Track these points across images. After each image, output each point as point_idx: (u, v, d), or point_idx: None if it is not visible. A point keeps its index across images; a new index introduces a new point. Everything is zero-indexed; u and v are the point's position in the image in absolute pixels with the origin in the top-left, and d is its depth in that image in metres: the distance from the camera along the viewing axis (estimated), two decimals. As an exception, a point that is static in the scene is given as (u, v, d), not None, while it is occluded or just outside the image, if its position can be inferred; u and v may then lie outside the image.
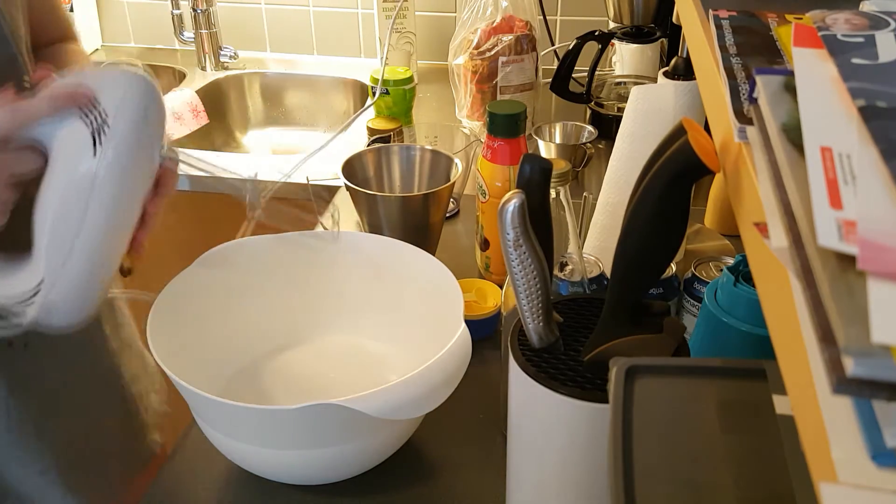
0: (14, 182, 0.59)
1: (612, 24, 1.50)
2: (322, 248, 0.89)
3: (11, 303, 0.63)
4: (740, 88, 0.40)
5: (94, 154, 0.60)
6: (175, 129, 1.58)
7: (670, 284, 0.87)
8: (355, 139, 1.44)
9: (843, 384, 0.22)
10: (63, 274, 0.63)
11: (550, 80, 1.42)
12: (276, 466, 0.73)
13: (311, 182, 1.25)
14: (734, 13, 0.48)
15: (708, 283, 0.82)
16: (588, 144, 1.24)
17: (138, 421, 0.95)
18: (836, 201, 0.26)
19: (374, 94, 1.44)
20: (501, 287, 0.82)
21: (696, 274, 0.86)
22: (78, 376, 0.85)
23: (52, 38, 0.88)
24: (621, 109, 1.34)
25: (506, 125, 0.95)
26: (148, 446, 0.97)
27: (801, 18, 0.43)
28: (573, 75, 1.42)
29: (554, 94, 1.44)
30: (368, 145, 1.18)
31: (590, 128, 1.29)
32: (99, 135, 0.60)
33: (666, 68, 1.02)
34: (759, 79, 0.36)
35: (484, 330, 0.92)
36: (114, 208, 0.62)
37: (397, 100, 1.43)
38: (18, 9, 0.76)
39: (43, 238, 0.62)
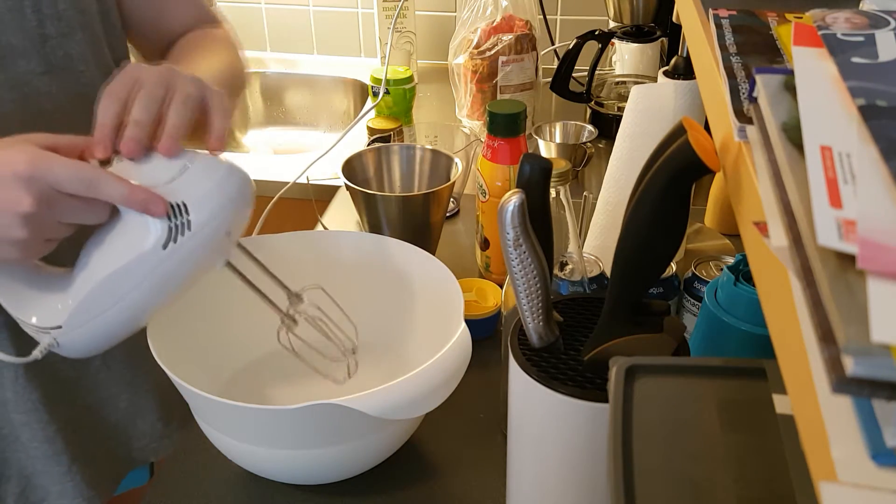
0: (72, 223, 0.59)
1: (612, 24, 1.50)
2: (322, 249, 0.89)
3: (26, 327, 0.63)
4: (740, 87, 0.40)
5: (165, 246, 0.60)
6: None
7: (670, 284, 0.87)
8: (355, 139, 1.44)
9: (842, 383, 0.22)
10: (86, 328, 0.63)
11: (550, 79, 1.42)
12: (276, 466, 0.73)
13: (311, 182, 1.25)
14: (734, 12, 0.48)
15: (708, 282, 0.82)
16: (588, 144, 1.24)
17: (151, 414, 0.95)
18: (835, 200, 0.26)
19: (374, 93, 1.44)
20: (502, 287, 0.82)
21: (697, 273, 0.86)
22: (92, 359, 0.85)
23: (186, 22, 0.87)
24: (621, 109, 1.34)
25: (506, 125, 0.95)
26: (162, 432, 0.96)
27: (801, 17, 0.43)
28: (573, 75, 1.42)
29: (554, 94, 1.44)
30: (368, 145, 1.18)
31: (590, 127, 1.29)
32: (178, 231, 0.60)
33: (666, 68, 1.02)
34: (758, 78, 0.36)
35: (484, 329, 0.92)
36: (167, 293, 0.63)
37: (397, 99, 1.43)
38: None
39: (84, 287, 0.62)
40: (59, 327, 0.62)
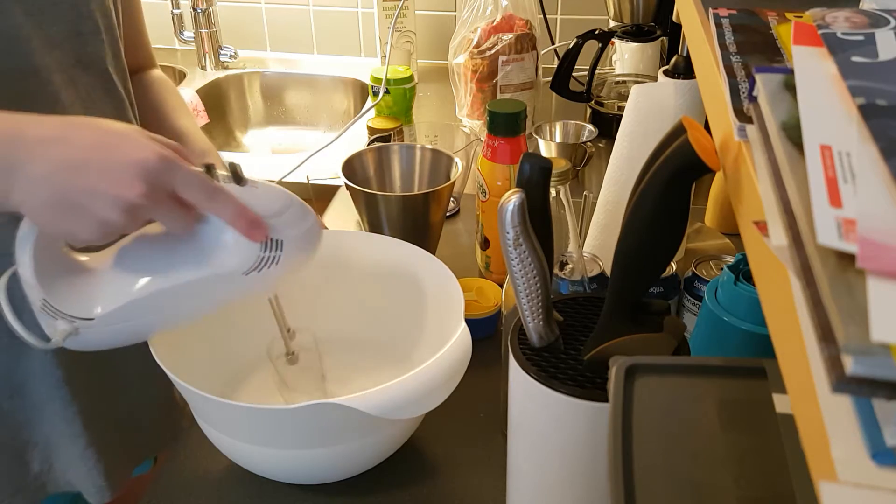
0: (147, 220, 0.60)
1: (612, 23, 1.50)
2: (322, 248, 0.89)
3: (45, 308, 0.62)
4: (740, 87, 0.39)
5: (248, 273, 0.62)
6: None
7: (670, 283, 0.87)
8: (355, 139, 1.44)
9: (842, 383, 0.22)
10: (116, 328, 0.63)
11: (551, 78, 1.42)
12: (276, 466, 0.73)
13: (311, 182, 1.25)
14: (734, 11, 0.48)
15: (708, 281, 0.82)
16: (588, 143, 1.24)
17: (170, 397, 0.95)
18: (835, 200, 0.26)
19: (374, 93, 1.44)
20: (502, 286, 0.82)
21: (697, 273, 0.86)
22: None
23: (139, 66, 0.93)
24: (621, 108, 1.34)
25: (506, 124, 0.95)
26: (174, 425, 0.97)
27: (801, 17, 0.43)
28: (573, 74, 1.42)
29: (554, 93, 1.44)
30: (368, 144, 1.18)
31: (590, 127, 1.29)
32: (265, 264, 0.63)
33: (666, 67, 1.02)
34: (758, 77, 0.36)
35: (484, 329, 0.92)
36: (210, 311, 0.66)
37: (397, 99, 1.43)
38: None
39: (138, 290, 0.62)
40: (91, 319, 0.62)
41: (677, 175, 0.46)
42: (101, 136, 0.57)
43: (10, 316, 0.61)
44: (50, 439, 0.82)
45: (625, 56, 1.49)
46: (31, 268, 0.60)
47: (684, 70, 0.98)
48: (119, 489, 0.87)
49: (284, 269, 0.64)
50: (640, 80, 1.46)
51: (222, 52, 1.74)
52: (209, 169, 0.60)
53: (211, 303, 0.66)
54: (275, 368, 0.79)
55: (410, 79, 1.44)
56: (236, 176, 0.60)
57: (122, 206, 0.55)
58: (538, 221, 0.54)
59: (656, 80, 1.03)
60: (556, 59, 1.55)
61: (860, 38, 0.35)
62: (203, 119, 1.64)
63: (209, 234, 0.62)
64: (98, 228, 0.56)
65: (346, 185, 1.00)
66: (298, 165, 1.32)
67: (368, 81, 1.47)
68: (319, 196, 1.26)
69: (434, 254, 0.85)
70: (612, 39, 1.45)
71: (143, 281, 0.63)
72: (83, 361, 0.82)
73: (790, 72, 0.35)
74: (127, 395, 0.88)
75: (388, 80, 1.41)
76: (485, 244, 1.02)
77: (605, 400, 0.46)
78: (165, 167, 0.56)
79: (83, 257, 0.65)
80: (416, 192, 1.06)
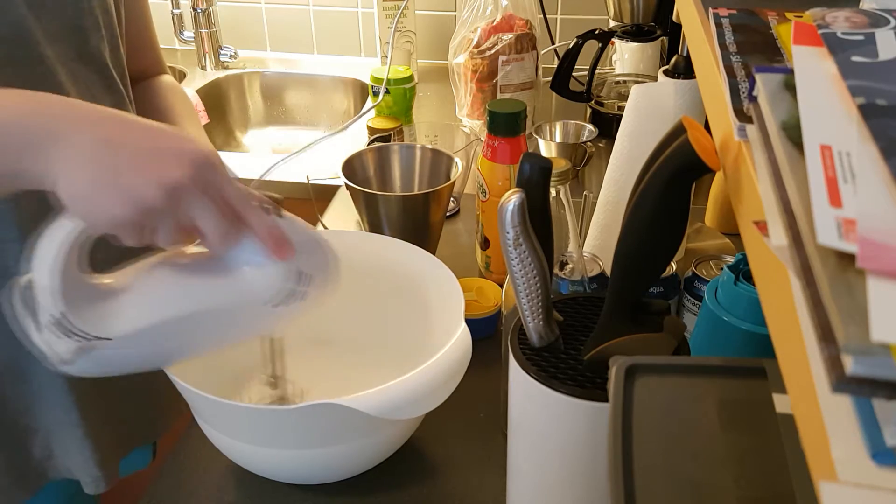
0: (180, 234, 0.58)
1: (612, 23, 1.50)
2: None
3: (52, 325, 0.58)
4: (740, 87, 0.39)
5: (277, 306, 0.62)
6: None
7: (671, 283, 0.87)
8: (355, 138, 1.44)
9: (842, 383, 0.22)
10: (132, 350, 0.61)
11: (551, 78, 1.42)
12: (277, 466, 0.73)
13: (311, 182, 1.25)
14: (734, 11, 0.48)
15: (708, 281, 0.82)
16: (588, 143, 1.24)
17: (164, 386, 0.94)
18: (835, 199, 0.26)
19: (374, 93, 1.44)
20: (502, 286, 0.82)
21: (697, 272, 0.86)
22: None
23: (145, 69, 0.93)
24: (621, 108, 1.34)
25: (506, 124, 0.95)
26: (168, 414, 0.97)
27: (801, 16, 0.43)
28: (573, 74, 1.42)
29: (554, 93, 1.44)
30: (368, 144, 1.18)
31: (590, 126, 1.29)
32: (294, 297, 0.62)
33: (666, 67, 1.02)
34: (758, 77, 0.36)
35: (484, 329, 0.92)
36: (232, 341, 0.66)
37: (397, 99, 1.43)
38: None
39: (161, 312, 0.60)
40: (108, 339, 0.58)
41: (677, 175, 0.46)
42: (150, 125, 0.57)
43: (31, 326, 0.58)
44: (50, 427, 0.82)
45: (625, 56, 1.49)
46: (58, 274, 0.56)
47: (684, 70, 0.98)
48: (113, 480, 0.87)
49: (308, 305, 0.63)
50: (640, 80, 1.46)
51: (222, 52, 1.74)
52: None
53: (232, 334, 0.64)
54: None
55: (410, 79, 1.44)
56: (276, 208, 0.60)
57: (166, 187, 0.53)
58: (538, 221, 0.54)
59: (656, 80, 1.03)
60: (556, 59, 1.55)
61: (860, 37, 0.35)
62: (203, 119, 1.64)
63: (241, 262, 0.60)
64: (136, 209, 0.54)
65: (346, 185, 1.00)
66: (277, 163, 1.32)
67: (368, 81, 1.47)
68: (319, 196, 1.26)
69: (434, 254, 0.85)
70: (612, 39, 1.45)
71: (167, 304, 0.60)
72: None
73: (790, 72, 0.35)
74: (123, 384, 0.88)
75: (388, 81, 1.41)
76: (485, 244, 1.02)
77: (605, 400, 0.46)
78: (213, 162, 0.56)
79: (105, 279, 0.61)
80: (416, 192, 1.06)
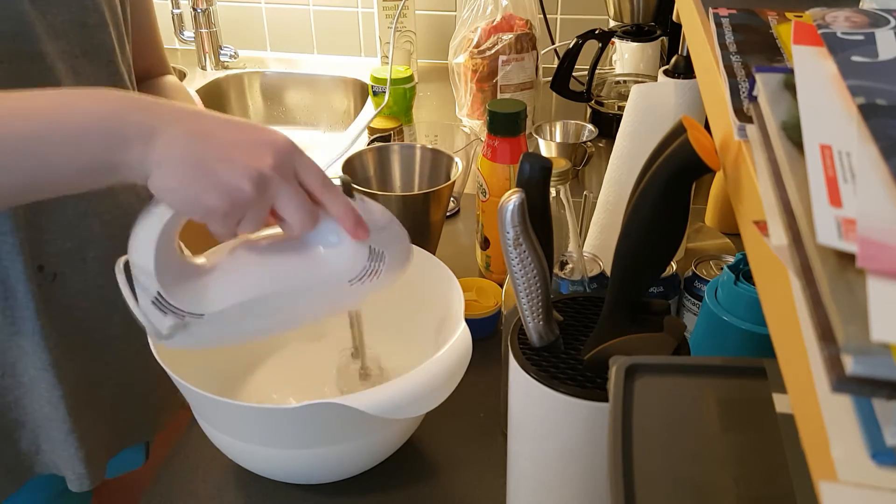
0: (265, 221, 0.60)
1: (612, 23, 1.50)
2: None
3: (151, 304, 0.62)
4: (740, 86, 0.39)
5: (352, 282, 0.64)
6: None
7: (671, 283, 0.87)
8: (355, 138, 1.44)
9: (842, 382, 0.22)
10: (223, 326, 0.64)
11: (551, 78, 1.42)
12: (277, 465, 0.73)
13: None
14: (734, 11, 0.48)
15: (708, 281, 0.82)
16: (588, 143, 1.24)
17: (155, 386, 0.95)
18: (835, 199, 0.26)
19: (374, 93, 1.44)
20: (502, 286, 0.82)
21: (697, 272, 0.86)
22: (105, 321, 0.85)
23: (149, 69, 0.94)
24: (622, 108, 1.34)
25: (506, 124, 0.95)
26: (158, 415, 0.96)
27: (801, 16, 0.43)
28: (573, 74, 1.42)
29: (554, 93, 1.44)
30: (368, 144, 1.18)
31: (590, 126, 1.29)
32: (369, 274, 0.65)
33: (666, 67, 1.02)
34: (758, 77, 0.36)
35: (484, 329, 0.92)
36: (315, 319, 0.68)
37: (397, 99, 1.42)
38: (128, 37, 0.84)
39: (250, 290, 0.63)
40: (202, 315, 0.63)
41: (677, 175, 0.46)
42: (229, 118, 0.60)
43: (132, 302, 0.62)
44: (38, 421, 0.82)
45: (625, 56, 1.49)
46: (152, 256, 0.60)
47: (684, 70, 0.98)
48: (99, 479, 0.87)
49: (383, 282, 0.66)
50: (640, 79, 1.46)
51: (222, 52, 1.74)
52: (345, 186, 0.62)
53: (315, 311, 0.67)
54: (338, 381, 0.82)
55: (410, 79, 1.43)
56: (347, 189, 0.63)
57: (253, 176, 0.56)
58: (538, 221, 0.54)
59: (656, 80, 1.03)
60: (556, 58, 1.55)
61: (860, 37, 0.35)
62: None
63: (319, 241, 0.64)
64: (226, 196, 0.56)
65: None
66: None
67: (368, 81, 1.47)
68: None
69: (434, 254, 0.85)
70: (612, 39, 1.45)
71: (256, 282, 0.64)
72: (72, 346, 0.82)
73: (790, 71, 0.35)
74: (112, 383, 0.89)
75: (387, 80, 1.41)
76: (485, 244, 1.02)
77: (605, 400, 0.46)
78: (292, 148, 0.59)
79: (198, 259, 0.65)
80: (416, 192, 1.06)
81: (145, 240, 0.60)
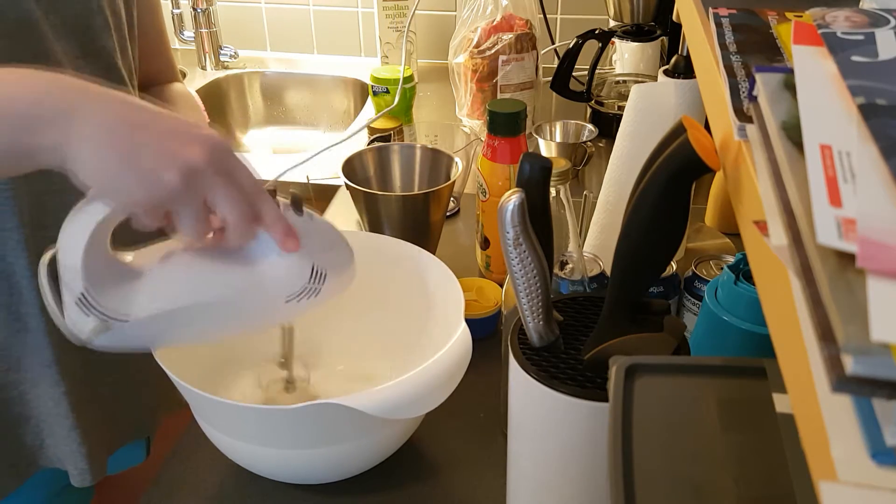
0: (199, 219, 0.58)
1: (612, 23, 1.50)
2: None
3: (75, 303, 0.60)
4: (740, 86, 0.39)
5: (289, 301, 0.64)
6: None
7: (671, 283, 0.87)
8: (355, 138, 1.44)
9: (842, 382, 0.22)
10: (148, 331, 0.63)
11: (551, 78, 1.42)
12: (277, 466, 0.73)
13: (311, 181, 1.25)
14: (734, 11, 0.48)
15: (708, 281, 0.82)
16: (588, 143, 1.24)
17: (155, 382, 0.95)
18: (835, 199, 0.26)
19: (375, 93, 1.43)
20: (502, 286, 0.82)
21: (697, 272, 0.86)
22: None
23: (155, 75, 0.94)
24: (622, 108, 1.34)
25: (506, 124, 0.95)
26: (158, 410, 0.97)
27: (801, 16, 0.43)
28: (573, 74, 1.42)
29: (554, 93, 1.44)
30: (368, 144, 1.18)
31: (590, 126, 1.29)
32: (307, 294, 0.64)
33: (666, 67, 1.02)
34: (758, 77, 0.36)
35: (484, 329, 0.92)
36: (241, 330, 0.69)
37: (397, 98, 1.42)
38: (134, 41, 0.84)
39: (180, 299, 0.62)
40: (125, 321, 0.61)
41: (677, 175, 0.46)
42: (167, 111, 0.58)
43: (51, 300, 0.60)
44: (41, 416, 0.83)
45: (625, 56, 1.49)
46: (80, 255, 0.58)
47: (684, 70, 0.98)
48: (100, 474, 0.87)
49: (320, 301, 0.65)
50: (640, 79, 1.46)
51: (222, 51, 1.74)
52: (272, 192, 0.61)
53: (246, 324, 0.67)
54: (263, 394, 0.81)
55: (410, 79, 1.43)
56: (296, 205, 0.62)
57: (183, 168, 0.54)
58: (538, 221, 0.54)
59: (656, 80, 1.03)
60: (556, 58, 1.55)
61: (860, 37, 0.35)
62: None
63: (259, 256, 0.62)
64: (152, 188, 0.54)
65: (346, 184, 1.00)
66: (309, 168, 1.32)
67: (368, 81, 1.47)
68: (319, 196, 1.26)
69: (434, 254, 0.85)
70: (613, 39, 1.45)
71: (186, 290, 0.62)
72: (73, 344, 0.82)
73: (790, 71, 0.35)
74: (113, 380, 0.89)
75: (387, 80, 1.41)
76: (485, 244, 1.02)
77: (605, 400, 0.46)
78: (227, 147, 0.57)
79: (128, 256, 0.63)
80: (416, 192, 1.06)
81: (75, 237, 0.58)
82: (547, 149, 1.25)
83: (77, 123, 0.54)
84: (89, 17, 0.77)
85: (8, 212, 0.73)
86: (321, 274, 0.64)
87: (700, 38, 0.50)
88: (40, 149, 0.54)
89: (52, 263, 0.60)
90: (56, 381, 0.81)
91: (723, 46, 0.44)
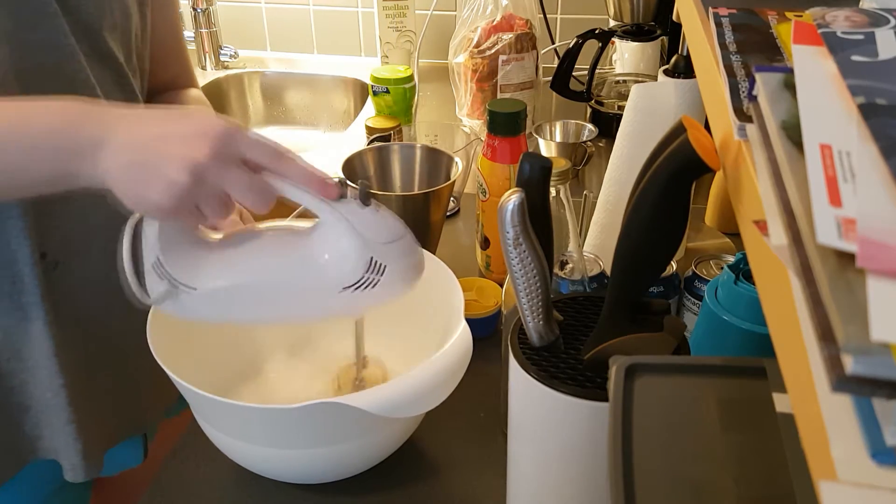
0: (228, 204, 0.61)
1: (612, 23, 1.50)
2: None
3: (155, 267, 0.65)
4: (740, 86, 0.39)
5: (344, 290, 0.64)
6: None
7: (671, 283, 0.87)
8: (355, 138, 1.44)
9: (842, 382, 0.22)
10: (211, 303, 0.66)
11: (551, 78, 1.42)
12: (277, 465, 0.73)
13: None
14: (734, 11, 0.48)
15: (708, 281, 0.82)
16: (588, 143, 1.24)
17: (153, 379, 0.95)
18: (835, 199, 0.26)
19: (374, 93, 1.43)
20: (502, 286, 0.82)
21: (697, 272, 0.86)
22: (106, 313, 0.86)
23: (172, 80, 0.96)
24: (622, 108, 1.34)
25: (506, 124, 0.95)
26: (155, 408, 0.97)
27: (801, 16, 0.43)
28: (573, 74, 1.42)
29: (554, 93, 1.44)
30: (368, 144, 1.18)
31: (590, 126, 1.29)
32: (364, 285, 0.64)
33: (666, 66, 1.02)
34: (758, 76, 0.36)
35: (484, 329, 0.92)
36: (296, 319, 0.72)
37: (397, 98, 1.42)
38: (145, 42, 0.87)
39: (245, 275, 0.65)
40: (194, 289, 0.65)
41: (677, 174, 0.46)
42: (172, 112, 0.64)
43: (126, 259, 0.64)
44: (40, 407, 0.83)
45: (625, 55, 1.49)
46: (156, 229, 0.64)
47: (684, 69, 0.98)
48: (95, 471, 0.87)
49: (380, 295, 0.65)
50: (640, 79, 1.46)
51: (222, 51, 1.74)
52: (341, 183, 0.63)
53: (303, 310, 0.67)
54: (337, 389, 0.83)
55: (410, 79, 1.43)
56: (364, 196, 0.63)
57: (190, 168, 0.58)
58: (538, 221, 0.54)
59: (656, 80, 1.03)
60: (556, 58, 1.55)
61: (860, 37, 0.35)
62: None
63: (321, 244, 0.64)
64: (167, 190, 0.58)
65: (346, 184, 1.00)
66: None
67: (368, 81, 1.47)
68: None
69: (434, 253, 0.85)
70: (613, 39, 1.45)
71: (250, 269, 0.66)
72: (74, 335, 0.83)
73: (790, 71, 0.35)
74: (111, 374, 0.89)
75: (388, 80, 1.41)
76: (485, 244, 1.02)
77: (605, 400, 0.46)
78: (231, 132, 0.60)
79: (212, 235, 0.68)
80: (416, 191, 1.06)
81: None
82: (547, 149, 1.25)
83: (105, 148, 0.60)
84: (101, 18, 0.78)
85: (12, 200, 0.74)
86: (380, 266, 0.64)
87: (700, 37, 0.50)
88: (81, 174, 0.61)
89: (138, 227, 0.66)
90: (56, 373, 0.81)
91: (723, 46, 0.44)
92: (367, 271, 0.64)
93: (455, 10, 1.68)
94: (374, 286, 0.64)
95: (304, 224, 0.67)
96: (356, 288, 0.64)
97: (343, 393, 0.80)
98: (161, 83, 0.93)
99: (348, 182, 0.64)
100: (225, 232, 0.69)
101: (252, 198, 0.60)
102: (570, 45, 1.38)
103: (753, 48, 0.43)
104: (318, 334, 0.90)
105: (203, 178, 0.58)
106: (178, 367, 0.68)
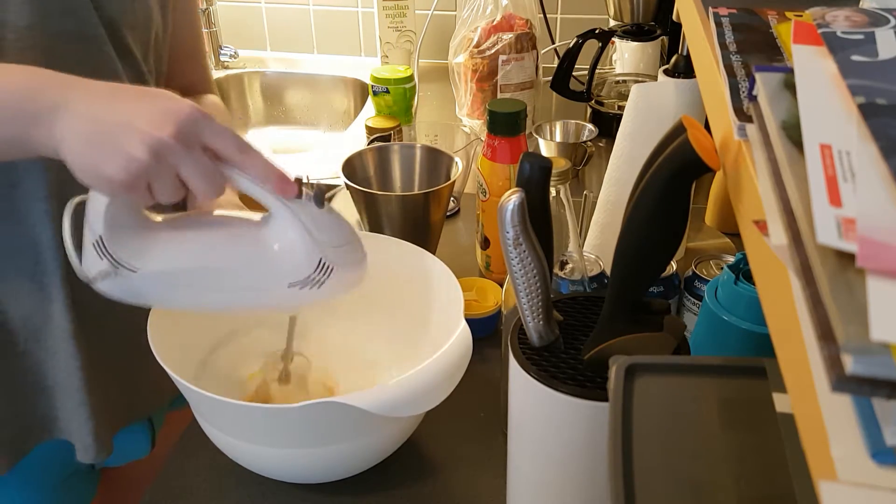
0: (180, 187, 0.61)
1: (612, 23, 1.50)
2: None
3: (94, 247, 0.64)
4: (740, 86, 0.39)
5: (291, 287, 0.65)
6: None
7: (671, 283, 0.87)
8: (355, 138, 1.44)
9: (842, 382, 0.22)
10: (152, 287, 0.66)
11: (551, 78, 1.42)
12: (277, 465, 0.73)
13: (310, 181, 1.24)
14: (734, 11, 0.48)
15: (708, 281, 0.82)
16: (588, 143, 1.24)
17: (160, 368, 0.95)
18: (835, 199, 0.26)
19: (374, 93, 1.44)
20: (502, 286, 0.82)
21: (697, 272, 0.86)
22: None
23: (190, 86, 0.96)
24: (622, 108, 1.34)
25: (506, 123, 0.95)
26: (165, 392, 0.96)
27: (801, 16, 0.43)
28: (573, 73, 1.42)
29: (554, 93, 1.44)
30: (368, 144, 1.18)
31: (590, 126, 1.29)
32: (311, 284, 0.65)
33: (666, 66, 1.02)
34: (758, 76, 0.36)
35: (484, 329, 0.92)
36: (239, 310, 0.72)
37: (397, 98, 1.43)
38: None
39: (190, 260, 0.65)
40: (135, 271, 0.65)
41: (677, 174, 0.46)
42: (143, 90, 0.63)
43: (68, 239, 0.64)
44: (56, 387, 0.84)
45: (625, 55, 1.49)
46: (104, 203, 0.63)
47: (684, 69, 0.98)
48: (104, 454, 0.87)
49: (323, 295, 0.66)
50: (640, 79, 1.46)
51: (222, 51, 1.74)
52: (299, 181, 0.63)
53: (247, 301, 0.68)
54: (265, 381, 0.82)
55: (410, 79, 1.44)
56: (319, 197, 0.63)
57: (151, 145, 0.57)
58: (538, 221, 0.54)
59: (656, 80, 1.03)
60: (556, 58, 1.55)
61: (860, 36, 0.35)
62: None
63: (274, 237, 0.64)
64: (124, 165, 0.57)
65: (346, 184, 1.00)
66: (309, 168, 1.32)
67: (368, 81, 1.47)
68: (319, 196, 1.26)
69: (434, 253, 0.85)
70: (613, 39, 1.45)
71: (195, 254, 0.66)
72: (91, 318, 0.83)
73: (790, 71, 0.35)
74: (124, 357, 0.89)
75: (388, 80, 1.41)
76: (485, 244, 1.02)
77: (605, 400, 0.46)
78: (198, 117, 0.59)
79: (157, 217, 0.67)
80: (416, 191, 1.06)
81: (100, 198, 0.63)
82: (547, 148, 1.25)
83: (63, 114, 0.59)
84: (122, 14, 0.79)
85: (39, 182, 0.75)
86: (328, 267, 0.65)
87: (700, 37, 0.50)
88: (34, 139, 0.60)
89: (80, 206, 0.65)
90: (73, 354, 0.82)
91: (723, 46, 0.44)
92: (314, 271, 0.64)
93: (455, 10, 1.68)
94: (319, 286, 0.65)
95: (255, 215, 0.67)
96: (302, 286, 0.65)
97: (267, 381, 0.81)
98: (179, 88, 0.93)
99: (309, 181, 0.63)
100: (171, 215, 0.68)
101: (205, 185, 0.60)
102: (570, 45, 1.38)
103: (753, 48, 0.43)
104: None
105: (162, 158, 0.58)
106: (178, 367, 0.68)
